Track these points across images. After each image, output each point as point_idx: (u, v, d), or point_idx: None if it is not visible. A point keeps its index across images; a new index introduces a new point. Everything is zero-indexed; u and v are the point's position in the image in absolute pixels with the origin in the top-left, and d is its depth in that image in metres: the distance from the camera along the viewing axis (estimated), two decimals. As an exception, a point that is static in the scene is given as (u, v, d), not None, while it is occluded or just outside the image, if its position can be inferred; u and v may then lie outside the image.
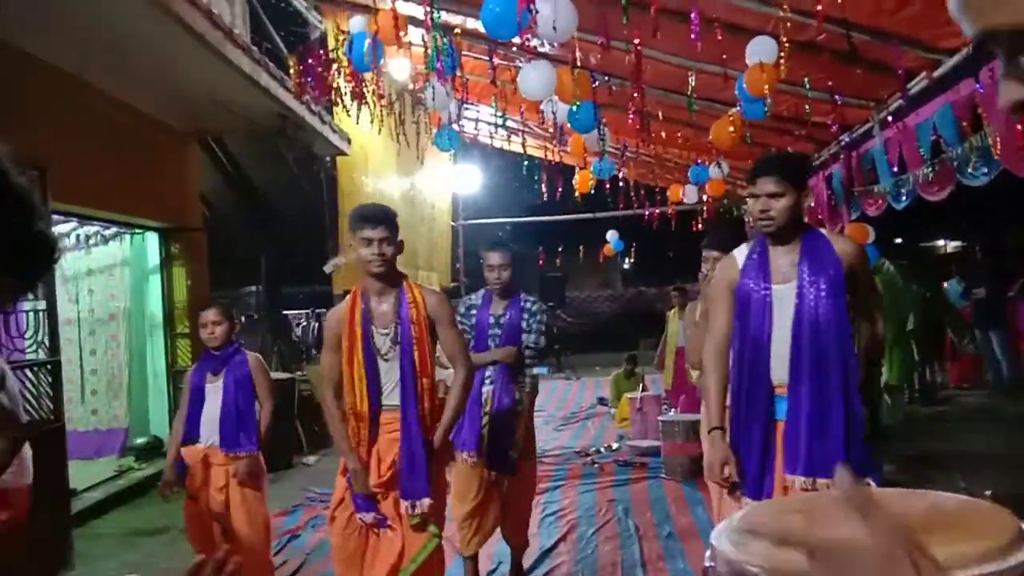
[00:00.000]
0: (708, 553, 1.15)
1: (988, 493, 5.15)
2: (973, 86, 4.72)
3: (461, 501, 3.90)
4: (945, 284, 10.18)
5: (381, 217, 2.98)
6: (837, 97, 5.93)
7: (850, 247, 2.70)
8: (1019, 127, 4.34)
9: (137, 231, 7.71)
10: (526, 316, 3.96)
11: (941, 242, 22.02)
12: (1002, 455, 6.08)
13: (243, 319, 12.36)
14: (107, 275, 7.82)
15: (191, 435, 3.75)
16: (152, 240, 7.81)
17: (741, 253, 2.81)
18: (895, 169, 6.39)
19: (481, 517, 3.93)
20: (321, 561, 4.59)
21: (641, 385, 8.99)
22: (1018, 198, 8.70)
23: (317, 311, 13.99)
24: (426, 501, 2.90)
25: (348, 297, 3.11)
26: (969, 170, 5.27)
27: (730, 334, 2.77)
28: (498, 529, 4.06)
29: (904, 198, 6.60)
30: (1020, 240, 10.28)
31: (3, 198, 0.92)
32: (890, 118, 6.16)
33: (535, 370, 4.00)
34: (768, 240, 2.72)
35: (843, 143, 7.18)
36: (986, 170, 5.10)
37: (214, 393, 3.73)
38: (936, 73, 5.12)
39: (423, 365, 2.97)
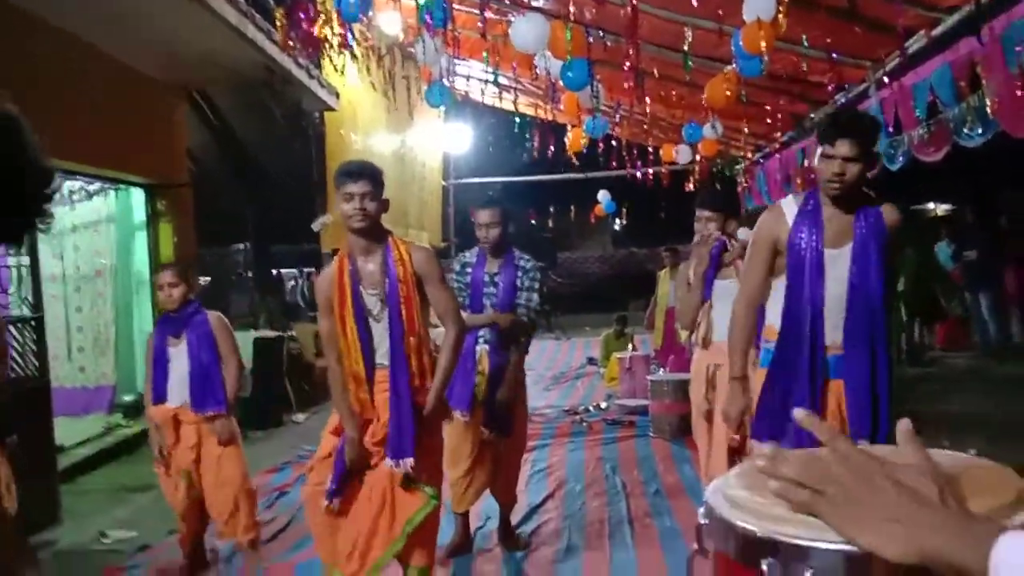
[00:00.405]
0: (701, 510, 1.13)
1: (973, 452, 5.20)
2: (973, 44, 4.64)
3: (456, 460, 3.89)
4: (935, 247, 10.19)
5: (363, 172, 2.92)
6: (834, 55, 5.84)
7: (896, 217, 2.67)
8: (1018, 87, 4.29)
9: (122, 187, 7.59)
10: (520, 274, 3.92)
11: (931, 204, 22.03)
12: (987, 417, 6.14)
13: (233, 277, 12.30)
14: (92, 231, 7.71)
15: (160, 397, 3.73)
16: (137, 196, 7.69)
17: (790, 207, 2.75)
18: (891, 129, 6.33)
19: (474, 475, 3.94)
20: (310, 517, 4.60)
21: (631, 345, 9.01)
22: (1010, 160, 8.67)
23: (306, 270, 13.94)
24: (408, 461, 2.87)
25: (336, 259, 3.06)
26: (965, 130, 5.23)
27: (766, 289, 2.77)
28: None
29: (900, 159, 6.56)
30: (1012, 203, 10.29)
31: None
32: (886, 79, 6.09)
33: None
34: (826, 201, 2.67)
35: (839, 103, 7.10)
36: (982, 131, 5.05)
37: (178, 355, 3.70)
38: (935, 32, 5.03)
39: (410, 323, 2.92)
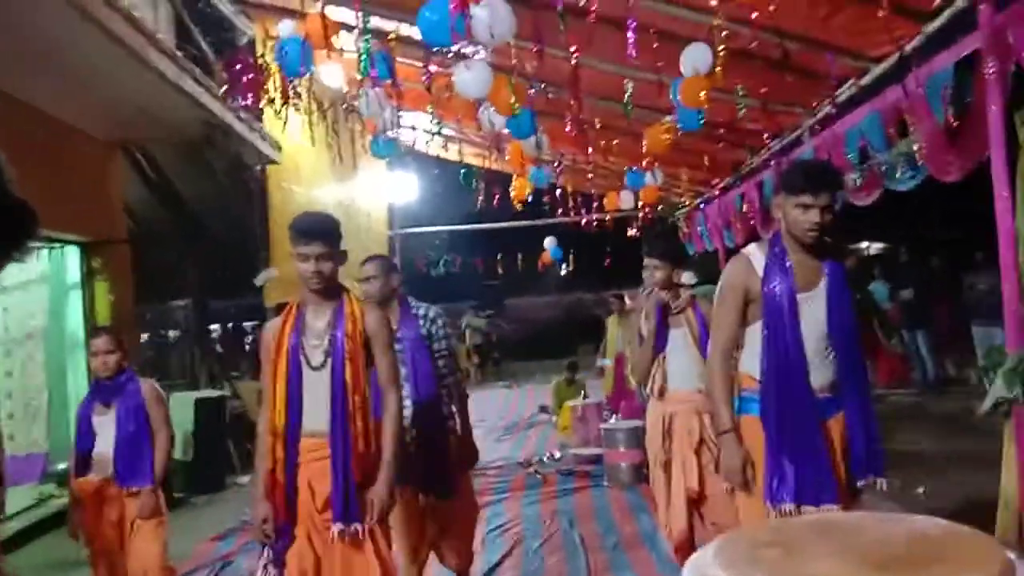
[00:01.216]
0: (679, 593, 1.09)
1: (921, 491, 5.26)
2: (899, 93, 4.84)
3: (401, 536, 3.64)
4: (870, 286, 10.48)
5: (317, 232, 2.80)
6: (768, 104, 6.03)
7: (852, 258, 2.84)
8: (943, 134, 4.47)
9: (56, 245, 7.34)
10: (425, 324, 3.75)
11: (864, 243, 22.77)
12: (930, 453, 6.26)
13: (170, 334, 11.95)
14: (23, 292, 7.41)
15: (82, 469, 3.55)
16: (72, 254, 7.44)
17: (756, 256, 2.78)
18: (825, 175, 6.52)
19: (418, 545, 3.75)
20: (257, 587, 4.39)
21: (583, 392, 8.99)
22: (940, 201, 9.03)
23: (238, 324, 13.58)
24: (355, 525, 2.73)
25: (285, 310, 2.94)
26: (896, 175, 5.41)
27: (737, 338, 2.80)
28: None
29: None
30: (943, 243, 10.69)
31: None
32: (818, 126, 6.30)
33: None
34: (793, 247, 2.72)
35: (774, 149, 7.31)
36: (912, 175, 5.24)
37: (105, 425, 3.54)
38: (863, 80, 5.23)
39: (355, 380, 2.78)
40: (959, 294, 9.39)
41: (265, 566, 2.82)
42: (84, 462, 3.54)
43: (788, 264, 2.70)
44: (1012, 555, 0.92)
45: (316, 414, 2.77)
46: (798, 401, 2.65)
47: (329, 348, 2.79)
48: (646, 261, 3.72)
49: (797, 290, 2.67)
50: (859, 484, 2.69)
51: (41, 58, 5.36)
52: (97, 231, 7.41)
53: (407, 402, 3.60)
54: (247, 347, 13.86)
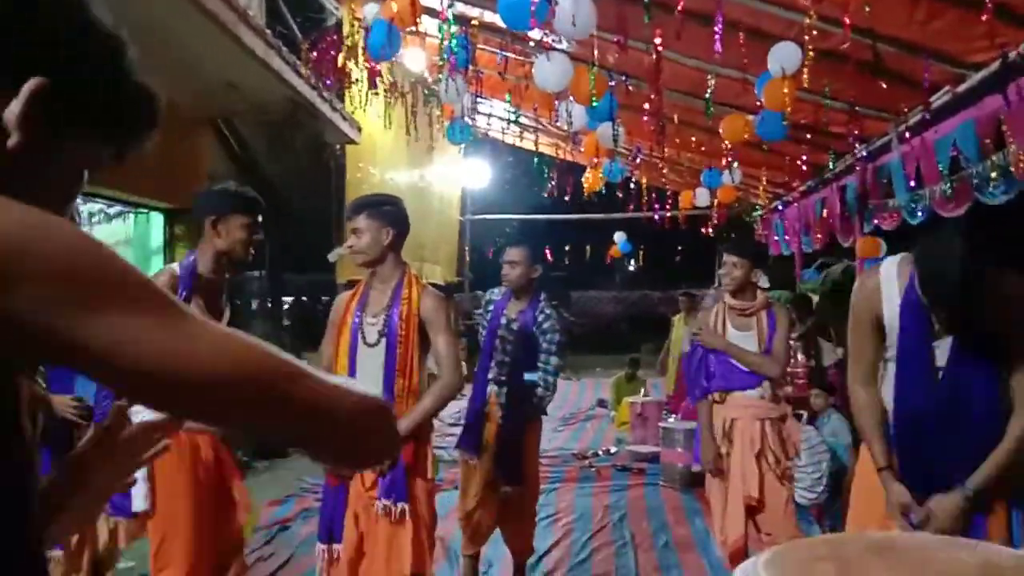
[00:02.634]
0: (728, 601, 1.07)
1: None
2: (999, 102, 4.62)
3: (462, 499, 3.84)
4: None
5: (357, 207, 2.89)
6: (857, 108, 5.83)
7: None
8: (1044, 147, 4.25)
9: (141, 211, 7.64)
10: (536, 331, 3.83)
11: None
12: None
13: (250, 304, 12.30)
14: (110, 253, 7.75)
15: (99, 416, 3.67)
16: (156, 220, 7.73)
17: (890, 283, 2.26)
18: (912, 184, 6.29)
19: (479, 518, 3.85)
20: (309, 555, 4.51)
21: (643, 389, 8.91)
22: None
23: (311, 297, 13.86)
24: (402, 504, 2.76)
25: (357, 285, 3.04)
26: (989, 188, 5.18)
27: (875, 361, 2.36)
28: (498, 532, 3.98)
29: (920, 214, 6.50)
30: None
31: (85, 33, 0.82)
32: (907, 133, 6.07)
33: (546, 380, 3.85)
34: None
35: (860, 155, 7.07)
36: (1005, 188, 5.01)
37: None
38: (960, 88, 5.01)
39: (404, 362, 2.81)
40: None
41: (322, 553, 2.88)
42: None
43: (918, 304, 2.20)
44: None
45: (369, 389, 2.81)
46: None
47: (384, 328, 2.84)
48: (725, 257, 3.62)
49: (932, 340, 2.22)
50: None
51: (134, 30, 5.53)
52: (181, 200, 7.66)
53: (492, 383, 3.71)
54: (318, 320, 14.17)
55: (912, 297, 2.19)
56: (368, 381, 2.81)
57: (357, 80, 6.51)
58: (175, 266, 3.02)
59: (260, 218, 3.03)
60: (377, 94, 6.68)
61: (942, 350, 2.18)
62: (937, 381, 2.15)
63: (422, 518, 2.83)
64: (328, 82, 6.65)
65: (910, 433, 2.23)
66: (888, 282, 2.28)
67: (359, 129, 8.50)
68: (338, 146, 8.59)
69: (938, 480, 2.18)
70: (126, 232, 7.75)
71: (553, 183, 9.81)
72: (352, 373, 2.84)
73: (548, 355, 3.84)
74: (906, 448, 2.24)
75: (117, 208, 7.52)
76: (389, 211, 2.91)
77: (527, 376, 3.86)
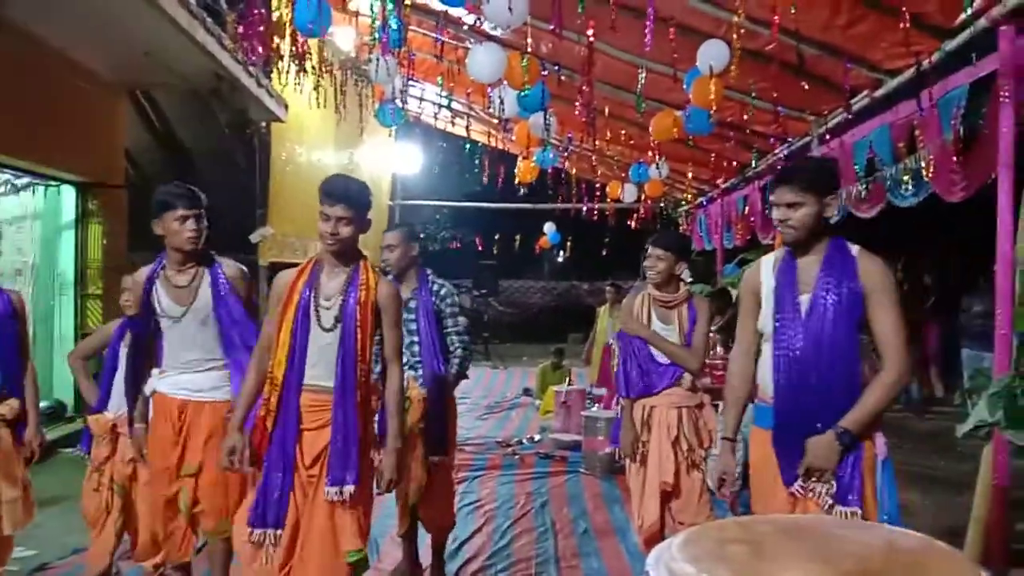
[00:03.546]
0: (640, 581, 1.08)
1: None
2: (912, 108, 4.81)
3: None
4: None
5: (342, 195, 2.84)
6: (780, 108, 6.00)
7: (872, 265, 2.53)
8: (952, 153, 4.45)
9: (52, 183, 7.29)
10: (436, 301, 3.88)
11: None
12: (907, 470, 6.28)
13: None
14: (15, 228, 7.37)
15: (100, 406, 3.57)
16: (68, 194, 7.39)
17: (768, 262, 2.74)
18: (830, 184, 6.51)
19: (405, 493, 3.87)
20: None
21: (568, 379, 9.00)
22: (939, 219, 9.02)
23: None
24: (349, 488, 2.74)
25: (303, 264, 2.97)
26: (900, 190, 5.40)
27: (755, 343, 2.73)
28: None
29: (836, 213, 6.73)
30: (939, 259, 10.68)
31: None
32: (827, 135, 6.28)
33: None
34: (791, 249, 2.65)
35: (781, 154, 7.28)
36: (916, 191, 5.22)
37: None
38: (878, 92, 5.20)
39: (362, 347, 2.82)
40: (952, 315, 9.39)
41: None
42: (103, 399, 3.62)
43: (787, 267, 2.64)
44: (985, 574, 0.92)
45: (320, 372, 2.81)
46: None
47: (340, 313, 2.83)
48: (650, 250, 3.66)
49: (799, 294, 2.59)
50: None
51: (52, -8, 5.29)
52: (95, 173, 7.35)
53: (407, 368, 3.71)
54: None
55: (786, 264, 2.64)
56: (322, 365, 2.81)
57: (284, 56, 6.33)
58: (142, 270, 3.30)
59: (195, 208, 3.21)
60: (305, 71, 6.52)
61: (804, 303, 2.56)
62: (804, 323, 2.54)
63: (366, 496, 2.85)
64: (254, 57, 6.44)
65: (786, 378, 2.55)
66: (766, 263, 2.75)
67: (286, 107, 8.29)
68: (263, 123, 8.36)
69: (808, 418, 2.50)
70: (35, 205, 7.38)
71: (485, 172, 9.78)
72: (299, 354, 2.81)
73: (454, 317, 3.91)
74: (783, 392, 2.57)
75: (25, 179, 7.15)
76: (367, 200, 2.95)
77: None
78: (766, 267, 2.74)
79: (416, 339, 3.85)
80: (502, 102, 6.23)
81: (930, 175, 4.77)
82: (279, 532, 2.78)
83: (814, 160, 3.98)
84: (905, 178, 5.28)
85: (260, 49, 5.79)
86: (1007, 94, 3.70)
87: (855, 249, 2.59)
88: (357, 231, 2.89)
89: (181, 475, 3.19)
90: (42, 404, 6.89)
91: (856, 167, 5.82)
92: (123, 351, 3.60)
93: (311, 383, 2.81)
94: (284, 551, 2.78)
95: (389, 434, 2.91)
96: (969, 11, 3.85)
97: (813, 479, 2.48)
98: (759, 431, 2.70)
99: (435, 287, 3.90)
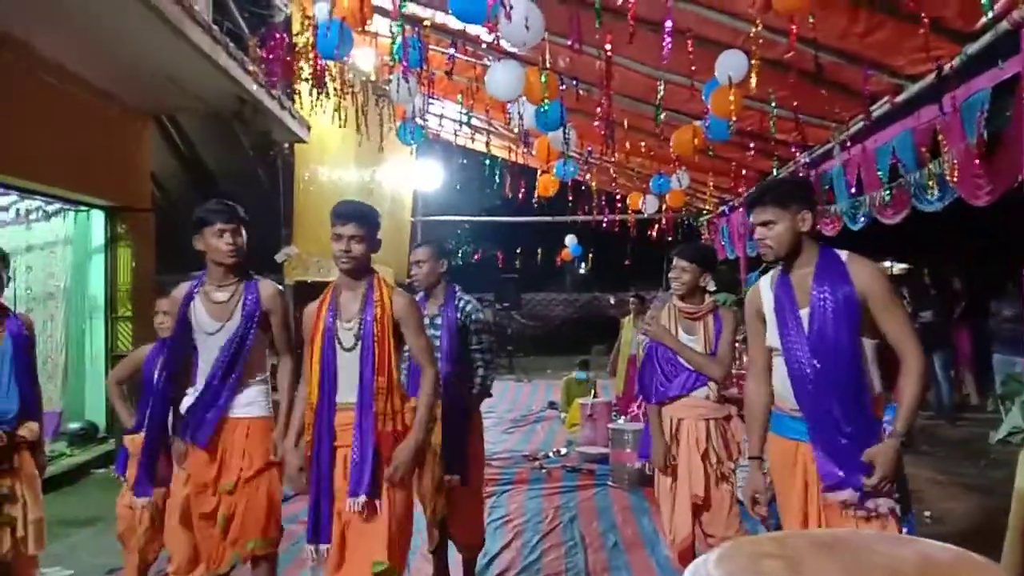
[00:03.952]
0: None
1: (927, 514, 5.21)
2: (934, 112, 4.79)
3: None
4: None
5: (353, 215, 2.98)
6: (800, 116, 5.98)
7: (863, 268, 2.58)
8: (976, 157, 4.42)
9: (81, 208, 7.43)
10: (461, 317, 3.85)
11: (887, 263, 22.46)
12: (940, 478, 6.20)
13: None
14: (47, 252, 7.52)
15: (137, 425, 3.63)
16: (97, 218, 7.53)
17: (766, 282, 2.81)
18: (853, 190, 6.48)
19: (434, 509, 3.86)
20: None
21: (593, 391, 8.98)
22: (965, 223, 8.92)
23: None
24: (361, 499, 2.84)
25: (324, 292, 3.12)
26: (925, 196, 5.36)
27: (767, 363, 2.79)
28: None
29: (860, 219, 6.70)
30: (966, 264, 10.55)
31: None
32: (849, 141, 6.25)
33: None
34: (782, 267, 2.73)
35: (803, 162, 7.25)
36: (940, 196, 5.18)
37: None
38: (899, 98, 5.18)
39: (381, 363, 2.93)
40: (983, 320, 9.26)
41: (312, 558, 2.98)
42: (140, 418, 3.66)
43: (782, 283, 2.71)
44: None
45: (347, 391, 2.94)
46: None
47: (359, 331, 2.95)
48: (675, 261, 3.66)
49: (798, 308, 2.64)
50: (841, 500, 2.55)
51: (78, 21, 5.42)
52: (123, 197, 7.48)
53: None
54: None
55: (780, 280, 2.71)
56: (347, 384, 2.94)
57: (307, 79, 6.43)
58: (182, 286, 3.36)
59: (232, 222, 3.27)
60: (326, 94, 6.61)
61: (805, 316, 2.61)
62: (808, 335, 2.58)
63: (392, 510, 2.91)
64: (277, 80, 6.55)
65: (807, 391, 2.58)
66: (764, 284, 2.81)
67: (308, 128, 8.41)
68: (286, 145, 8.48)
69: (834, 425, 2.53)
70: (65, 230, 7.53)
71: (507, 186, 9.83)
72: (328, 379, 2.96)
73: (478, 335, 3.87)
74: (808, 405, 2.60)
75: (56, 206, 7.30)
76: (377, 219, 3.07)
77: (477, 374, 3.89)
78: (765, 286, 2.81)
79: (439, 356, 3.79)
80: (521, 117, 6.27)
81: (954, 180, 4.73)
82: (326, 547, 2.92)
83: (785, 179, 4.05)
84: (929, 183, 5.25)
85: (282, 72, 5.88)
86: (1031, 96, 3.67)
87: (844, 255, 2.64)
88: (369, 249, 3.02)
89: (219, 491, 3.23)
90: (74, 425, 7.10)
91: (879, 173, 5.79)
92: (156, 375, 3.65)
93: (342, 402, 2.94)
94: (334, 564, 2.90)
95: (414, 425, 2.96)
96: (990, 14, 3.82)
97: (879, 496, 2.50)
98: (776, 438, 2.76)
99: (461, 303, 3.89)
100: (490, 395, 4.01)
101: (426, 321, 3.82)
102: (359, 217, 2.98)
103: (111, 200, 7.37)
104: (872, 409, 2.57)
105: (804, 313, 2.61)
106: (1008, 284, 8.49)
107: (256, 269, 3.47)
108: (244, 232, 3.31)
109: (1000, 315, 8.53)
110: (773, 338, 2.71)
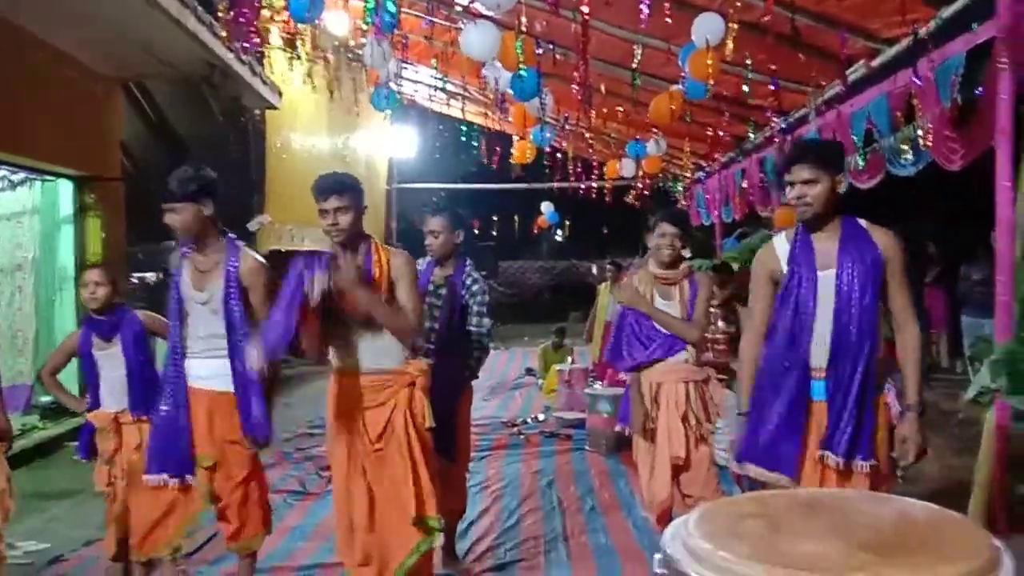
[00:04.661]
0: (659, 558, 1.09)
1: (900, 475, 5.33)
2: (909, 77, 4.79)
3: None
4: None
5: (333, 187, 2.95)
6: (777, 81, 5.97)
7: (886, 237, 2.67)
8: (950, 121, 4.44)
9: (48, 178, 7.26)
10: (466, 294, 3.81)
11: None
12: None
13: (162, 275, 11.89)
14: (14, 223, 7.35)
15: (94, 403, 3.57)
16: (65, 188, 7.37)
17: (781, 242, 2.83)
18: (828, 155, 6.49)
19: None
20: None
21: (570, 358, 9.02)
22: (940, 188, 9.01)
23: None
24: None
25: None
26: (899, 160, 5.39)
27: (767, 324, 2.82)
28: None
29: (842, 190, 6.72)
30: (939, 228, 10.68)
31: None
32: (824, 106, 6.25)
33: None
34: (806, 227, 2.74)
35: (779, 127, 7.26)
36: (914, 160, 5.22)
37: (111, 359, 3.54)
38: (875, 62, 5.18)
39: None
40: (954, 284, 9.39)
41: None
42: (94, 397, 3.57)
43: (802, 245, 2.72)
44: (998, 542, 0.93)
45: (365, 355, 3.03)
46: (793, 378, 2.71)
47: None
48: (664, 227, 3.62)
49: (816, 271, 2.67)
50: (841, 464, 2.63)
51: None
52: (91, 166, 7.32)
53: (427, 356, 3.65)
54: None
55: (803, 241, 2.72)
56: (365, 348, 3.02)
57: (280, 45, 6.30)
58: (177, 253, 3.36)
59: (167, 203, 3.19)
60: (298, 58, 6.48)
61: (826, 279, 2.65)
62: (832, 298, 2.63)
63: (418, 461, 2.99)
64: (247, 45, 6.40)
65: (829, 354, 2.64)
66: (780, 244, 2.84)
67: (280, 94, 8.26)
68: (257, 111, 8.33)
69: (850, 387, 2.60)
70: (32, 200, 7.36)
71: (481, 153, 9.76)
72: (343, 342, 3.04)
73: (480, 316, 3.83)
74: (831, 367, 2.64)
75: (21, 175, 7.13)
76: (357, 186, 3.06)
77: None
78: (780, 247, 2.81)
79: (434, 326, 3.76)
80: (497, 82, 6.21)
81: (928, 144, 4.76)
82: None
83: (825, 141, 4.03)
84: (904, 147, 5.27)
85: (252, 37, 5.75)
86: (1005, 61, 3.68)
87: (864, 222, 2.70)
88: (357, 217, 2.99)
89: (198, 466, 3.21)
90: (45, 399, 7.01)
91: (854, 138, 5.81)
92: (97, 355, 3.55)
93: (367, 367, 3.00)
94: (366, 518, 3.00)
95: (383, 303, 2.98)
96: (965, -23, 3.82)
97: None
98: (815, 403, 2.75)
99: (468, 280, 3.84)
100: (476, 376, 3.98)
101: (430, 288, 3.80)
102: (340, 188, 2.95)
103: (79, 169, 7.21)
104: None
105: (826, 275, 2.65)
106: (978, 248, 8.59)
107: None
108: (186, 210, 3.18)
109: (970, 279, 8.65)
110: (790, 300, 2.72)
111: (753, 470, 2.80)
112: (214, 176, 3.30)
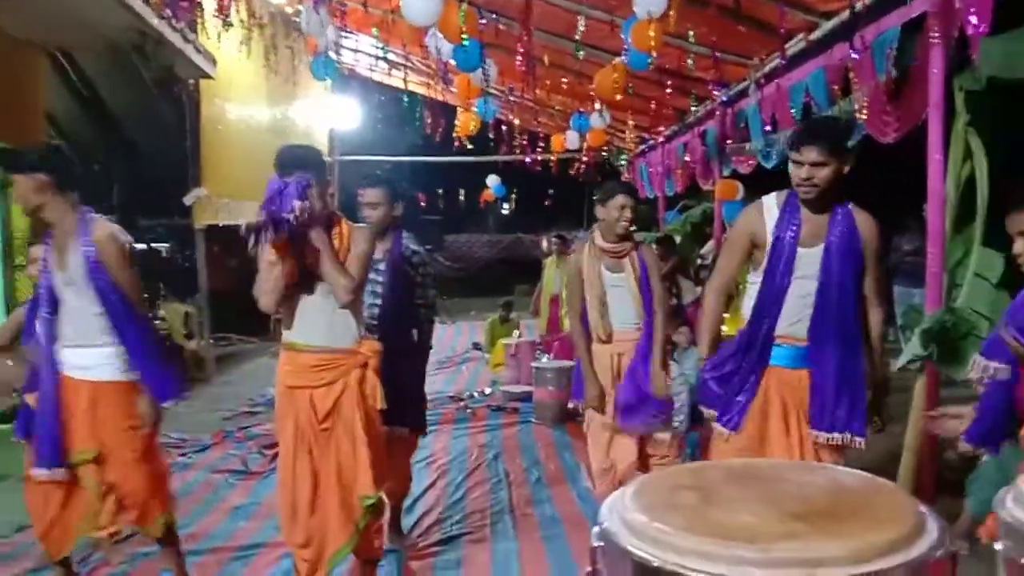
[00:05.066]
0: (596, 530, 1.08)
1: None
2: (846, 51, 4.86)
3: None
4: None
5: (289, 165, 2.88)
6: (718, 54, 6.00)
7: (868, 221, 2.79)
8: (885, 95, 4.53)
9: (-32, 150, 6.92)
10: (408, 267, 3.75)
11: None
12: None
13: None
14: (-68, 197, 7.01)
15: (29, 385, 3.42)
16: (-14, 161, 7.03)
17: (770, 207, 2.84)
18: (767, 128, 6.58)
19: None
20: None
21: (516, 331, 9.05)
22: (873, 162, 9.22)
23: (166, 244, 13.17)
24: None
25: None
26: (836, 133, 5.48)
27: (735, 279, 2.95)
28: None
29: (774, 158, 6.84)
30: (871, 201, 10.95)
31: None
32: (764, 79, 6.32)
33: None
34: (802, 203, 2.79)
35: (720, 100, 7.33)
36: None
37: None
38: (813, 35, 5.24)
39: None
40: (886, 254, 9.66)
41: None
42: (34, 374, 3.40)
43: (790, 216, 2.78)
44: (924, 508, 0.96)
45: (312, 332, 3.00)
46: (761, 344, 2.81)
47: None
48: (622, 199, 3.61)
49: (797, 246, 2.75)
50: (823, 438, 2.75)
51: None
52: (14, 137, 6.97)
53: (372, 333, 3.58)
54: (179, 271, 13.50)
55: (789, 213, 2.77)
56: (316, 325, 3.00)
57: (209, 10, 6.08)
58: None
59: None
60: (231, 25, 6.27)
61: (813, 255, 2.73)
62: (818, 274, 2.73)
63: (370, 441, 2.97)
64: (179, 12, 6.17)
65: (812, 327, 2.75)
66: (769, 207, 2.85)
67: (214, 62, 7.99)
68: (192, 81, 8.05)
69: (832, 362, 2.73)
70: (-50, 173, 7.01)
71: (427, 124, 9.61)
72: (298, 319, 3.02)
73: (424, 288, 3.80)
74: (813, 341, 2.76)
75: (-62, 146, 6.78)
76: (319, 163, 3.05)
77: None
78: (769, 212, 2.84)
79: (377, 302, 3.67)
80: (439, 52, 6.10)
81: (864, 117, 4.85)
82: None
83: (835, 123, 4.08)
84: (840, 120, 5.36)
85: (184, 3, 5.53)
86: (937, 35, 3.75)
87: (850, 205, 2.82)
88: (322, 192, 2.91)
89: (75, 461, 3.06)
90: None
91: (792, 111, 5.88)
92: (40, 329, 3.43)
93: (319, 345, 2.97)
94: (309, 499, 2.97)
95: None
96: (900, -48, 3.87)
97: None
98: (779, 369, 2.83)
99: (408, 252, 3.76)
100: (430, 347, 3.97)
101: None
102: (302, 165, 2.86)
103: (1, 140, 6.89)
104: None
105: (813, 251, 2.74)
106: (909, 220, 8.84)
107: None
108: (27, 183, 3.07)
109: (901, 249, 8.91)
110: (774, 270, 2.78)
111: (707, 412, 2.94)
112: (62, 150, 3.18)
